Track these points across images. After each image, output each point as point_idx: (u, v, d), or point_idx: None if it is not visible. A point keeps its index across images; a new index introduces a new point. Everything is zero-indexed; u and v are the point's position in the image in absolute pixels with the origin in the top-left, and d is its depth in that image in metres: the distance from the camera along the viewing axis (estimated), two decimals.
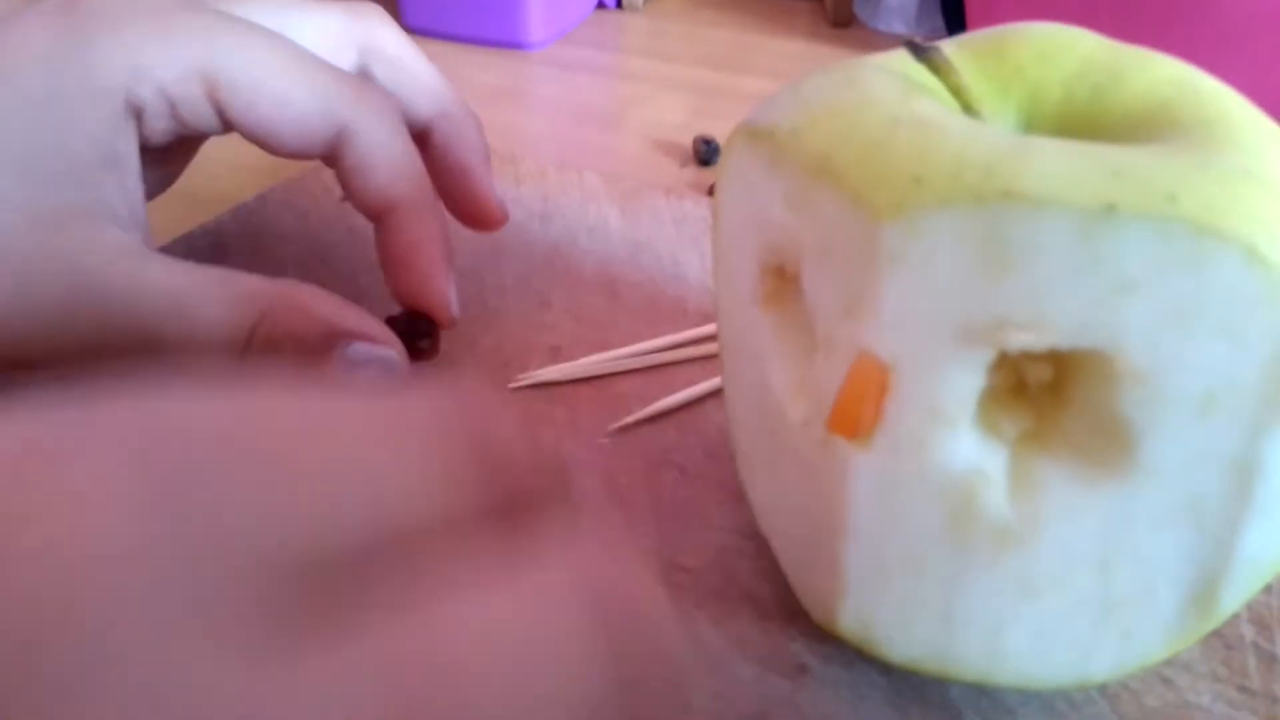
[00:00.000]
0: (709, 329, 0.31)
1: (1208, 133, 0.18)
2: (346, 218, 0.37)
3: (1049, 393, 0.18)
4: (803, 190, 0.18)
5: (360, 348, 0.24)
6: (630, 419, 0.28)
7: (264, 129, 0.26)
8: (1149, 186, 0.16)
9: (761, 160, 0.19)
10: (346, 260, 0.35)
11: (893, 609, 0.20)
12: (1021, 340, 0.17)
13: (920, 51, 0.19)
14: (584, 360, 0.30)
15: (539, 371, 0.30)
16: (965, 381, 0.18)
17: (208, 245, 0.36)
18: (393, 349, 0.25)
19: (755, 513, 0.24)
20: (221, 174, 0.41)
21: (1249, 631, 0.23)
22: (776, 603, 0.23)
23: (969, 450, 0.18)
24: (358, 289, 0.33)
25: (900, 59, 0.20)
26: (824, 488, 0.20)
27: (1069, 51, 0.20)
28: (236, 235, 0.36)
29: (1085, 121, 0.19)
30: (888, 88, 0.19)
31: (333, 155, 0.27)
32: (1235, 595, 0.19)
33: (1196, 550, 0.18)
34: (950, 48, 0.20)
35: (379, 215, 0.27)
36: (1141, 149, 0.17)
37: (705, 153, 0.44)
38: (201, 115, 0.25)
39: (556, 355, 0.31)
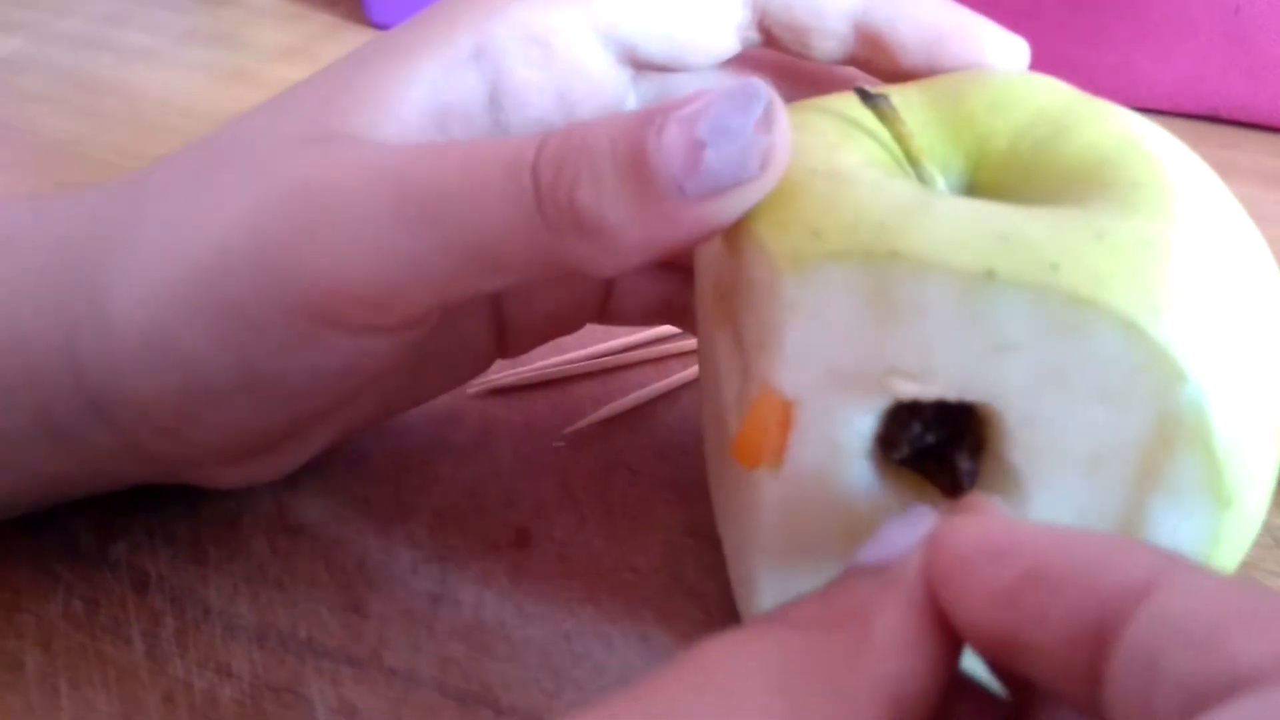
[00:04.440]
0: (659, 331, 0.32)
1: (1130, 196, 0.18)
2: None
3: None
4: (731, 233, 0.19)
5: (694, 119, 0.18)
6: (583, 422, 0.29)
7: None
8: (1033, 254, 0.17)
9: None
10: None
11: None
12: (910, 389, 0.18)
13: (868, 98, 0.20)
14: (539, 364, 0.31)
15: (496, 376, 0.31)
16: (864, 420, 0.18)
17: None
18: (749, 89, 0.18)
19: (715, 514, 0.25)
20: None
21: None
22: (720, 600, 0.25)
23: (869, 482, 0.19)
24: None
25: (850, 102, 0.20)
26: (746, 504, 0.21)
27: (1023, 103, 0.20)
28: None
29: (1025, 175, 0.20)
30: (823, 134, 0.20)
31: None
32: None
33: None
34: (909, 91, 0.21)
35: None
36: (1044, 212, 0.18)
37: None
38: None
39: (515, 359, 0.30)
